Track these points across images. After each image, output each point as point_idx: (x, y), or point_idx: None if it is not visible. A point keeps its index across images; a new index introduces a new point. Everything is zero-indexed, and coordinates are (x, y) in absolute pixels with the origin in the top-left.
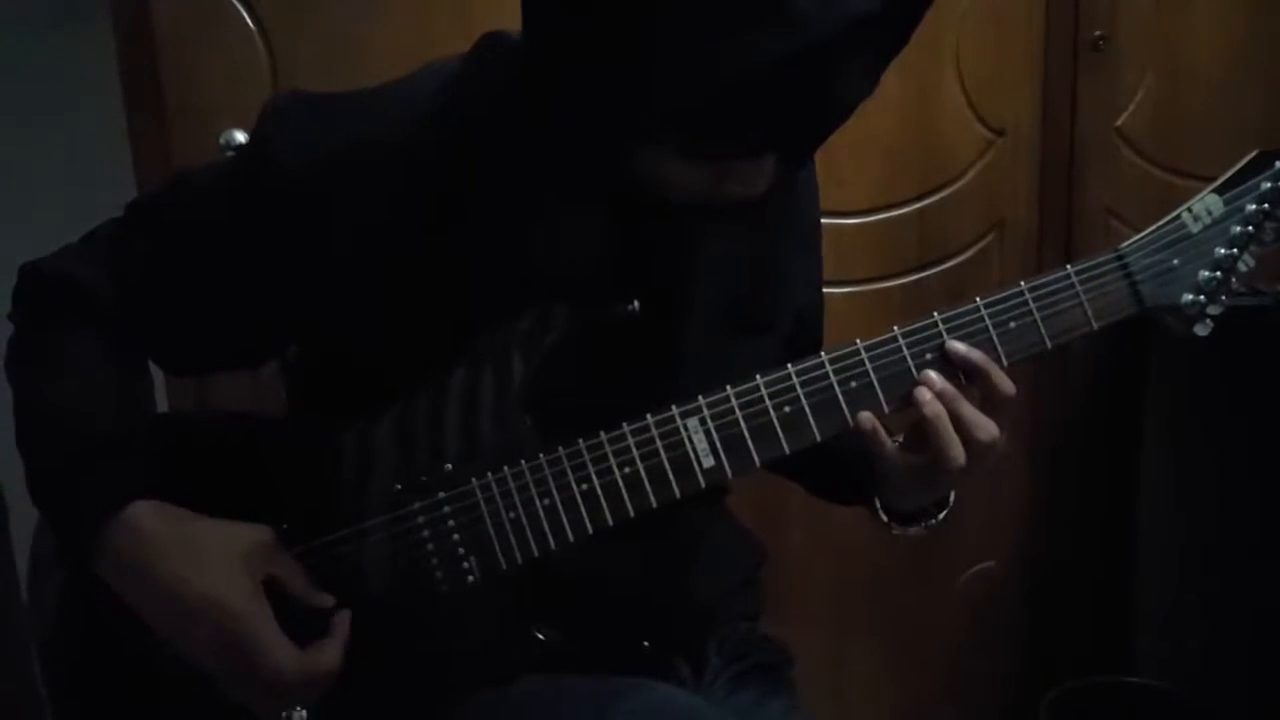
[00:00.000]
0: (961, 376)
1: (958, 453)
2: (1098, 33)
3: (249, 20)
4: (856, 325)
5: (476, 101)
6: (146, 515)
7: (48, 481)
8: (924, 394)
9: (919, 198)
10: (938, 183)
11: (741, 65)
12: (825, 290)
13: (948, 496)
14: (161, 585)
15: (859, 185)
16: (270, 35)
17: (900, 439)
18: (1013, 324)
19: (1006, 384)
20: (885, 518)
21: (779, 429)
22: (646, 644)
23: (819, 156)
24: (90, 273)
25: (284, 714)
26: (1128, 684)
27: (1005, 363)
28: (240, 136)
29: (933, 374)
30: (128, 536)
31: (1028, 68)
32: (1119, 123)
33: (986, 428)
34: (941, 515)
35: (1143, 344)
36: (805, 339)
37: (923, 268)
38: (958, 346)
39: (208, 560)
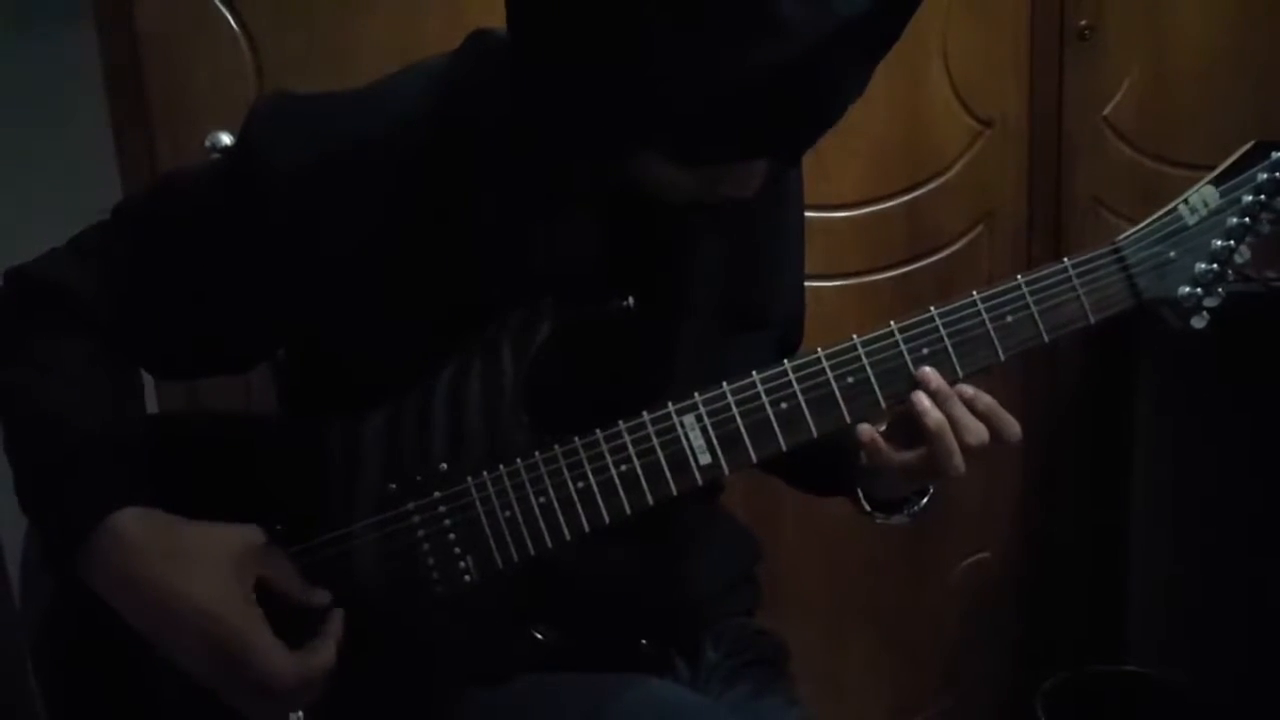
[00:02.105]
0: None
1: (958, 462)
2: (1084, 22)
3: (233, 22)
4: (847, 318)
5: (467, 101)
6: (133, 522)
7: (34, 488)
8: (923, 401)
9: (908, 190)
10: (926, 174)
11: (731, 74)
12: (816, 284)
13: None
14: (150, 593)
15: (848, 179)
16: (254, 37)
17: (883, 428)
18: (1010, 318)
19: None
20: (868, 507)
21: (776, 426)
22: (644, 641)
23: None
24: (77, 277)
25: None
26: (1124, 672)
27: (1002, 357)
28: (226, 138)
29: (929, 370)
30: (114, 544)
31: (1015, 58)
32: (1106, 112)
33: (977, 432)
34: (924, 502)
35: (1134, 330)
36: (790, 337)
37: (913, 260)
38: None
39: (196, 566)
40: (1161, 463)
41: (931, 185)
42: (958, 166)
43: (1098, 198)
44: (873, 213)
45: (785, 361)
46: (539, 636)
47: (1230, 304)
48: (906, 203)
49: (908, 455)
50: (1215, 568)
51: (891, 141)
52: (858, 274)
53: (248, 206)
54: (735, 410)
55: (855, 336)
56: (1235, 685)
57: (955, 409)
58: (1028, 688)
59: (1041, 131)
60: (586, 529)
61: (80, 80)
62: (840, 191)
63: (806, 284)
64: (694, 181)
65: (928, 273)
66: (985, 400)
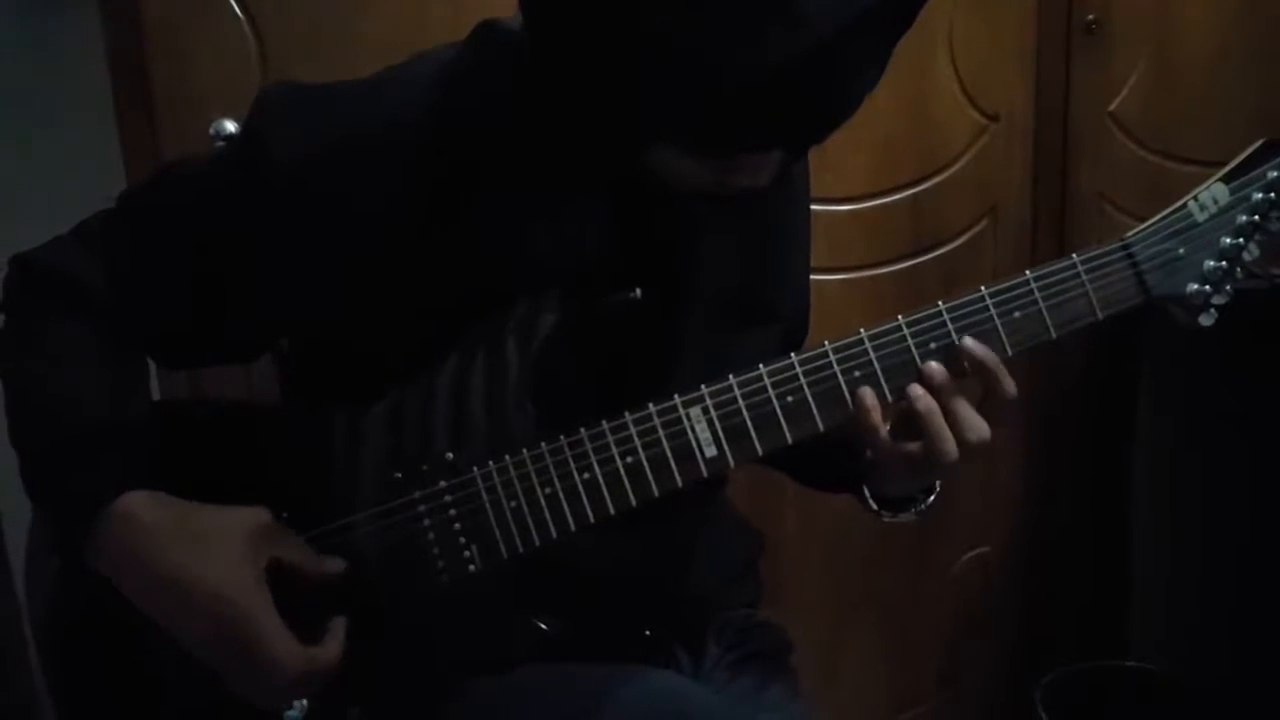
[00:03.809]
0: (967, 367)
1: (950, 448)
2: (1091, 17)
3: (237, 9)
4: (851, 312)
5: (475, 92)
6: (141, 505)
7: (40, 473)
8: (916, 389)
9: (913, 184)
10: (932, 169)
11: (748, 65)
12: (819, 277)
13: (934, 482)
14: (159, 577)
15: (853, 172)
16: (259, 23)
17: (888, 424)
18: (1017, 313)
19: (1011, 388)
20: (874, 505)
21: (782, 419)
22: (646, 632)
23: None
24: (82, 264)
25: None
26: (1123, 668)
27: (1009, 352)
28: (230, 126)
29: (935, 365)
30: (123, 527)
31: (1021, 52)
32: (1112, 107)
33: (978, 429)
34: (929, 501)
35: (1137, 324)
36: (795, 331)
37: (917, 254)
38: (972, 344)
39: (207, 548)
40: (1162, 458)
41: (936, 179)
42: (963, 161)
43: (1102, 193)
44: (877, 206)
45: (792, 355)
46: (542, 626)
47: (1233, 301)
48: (911, 196)
49: (909, 447)
50: (1215, 564)
51: (896, 135)
52: (861, 267)
53: (251, 195)
54: (741, 403)
55: (862, 330)
56: (1234, 681)
57: (957, 403)
58: (1027, 682)
59: (1047, 126)
60: (591, 520)
61: (84, 67)
62: (845, 184)
63: (810, 277)
64: (705, 171)
65: (931, 267)
66: (991, 357)
